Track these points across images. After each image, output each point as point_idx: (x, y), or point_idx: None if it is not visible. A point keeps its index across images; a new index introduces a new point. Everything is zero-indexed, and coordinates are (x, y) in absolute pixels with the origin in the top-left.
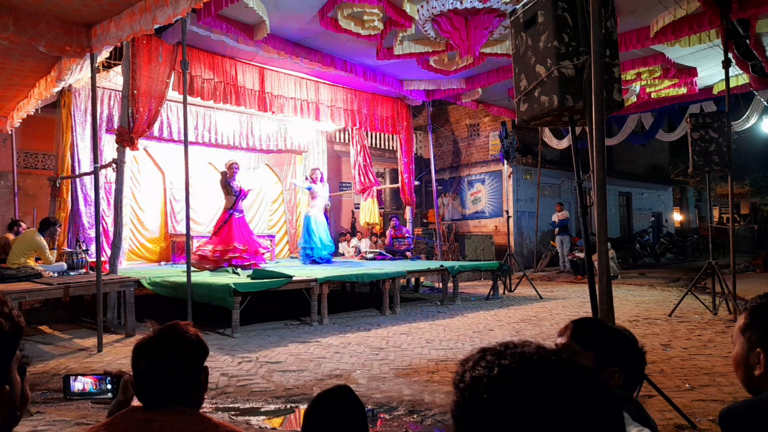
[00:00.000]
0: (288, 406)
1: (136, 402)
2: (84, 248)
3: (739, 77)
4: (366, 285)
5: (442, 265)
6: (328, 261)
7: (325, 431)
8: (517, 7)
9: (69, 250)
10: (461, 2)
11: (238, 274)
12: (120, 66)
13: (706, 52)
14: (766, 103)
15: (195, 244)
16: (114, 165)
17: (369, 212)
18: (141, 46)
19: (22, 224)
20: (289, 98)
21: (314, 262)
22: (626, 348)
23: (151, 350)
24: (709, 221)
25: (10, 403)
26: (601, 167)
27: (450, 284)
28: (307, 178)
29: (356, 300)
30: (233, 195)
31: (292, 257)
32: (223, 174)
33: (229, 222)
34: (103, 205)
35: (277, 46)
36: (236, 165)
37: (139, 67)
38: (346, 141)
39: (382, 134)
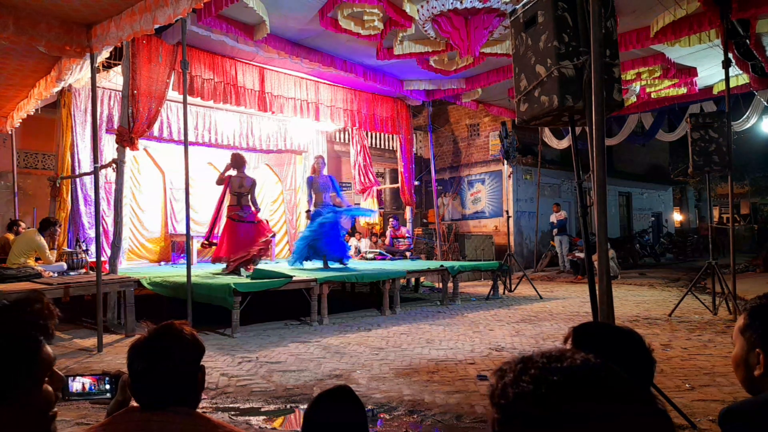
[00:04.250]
0: (288, 406)
1: (135, 402)
2: (84, 248)
3: (739, 77)
4: (366, 285)
5: (442, 265)
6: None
7: (325, 431)
8: (517, 7)
9: (69, 250)
10: (461, 2)
11: (238, 273)
12: (120, 66)
13: (706, 52)
14: (766, 103)
15: (195, 244)
16: (114, 165)
17: None
18: (141, 46)
19: (22, 224)
20: (289, 98)
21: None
22: (631, 348)
23: (146, 350)
24: (709, 221)
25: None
26: (601, 167)
27: (450, 284)
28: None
29: (356, 300)
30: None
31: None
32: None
33: (228, 226)
34: (103, 205)
35: (277, 46)
36: (239, 156)
37: (139, 67)
38: (346, 141)
39: (382, 134)
